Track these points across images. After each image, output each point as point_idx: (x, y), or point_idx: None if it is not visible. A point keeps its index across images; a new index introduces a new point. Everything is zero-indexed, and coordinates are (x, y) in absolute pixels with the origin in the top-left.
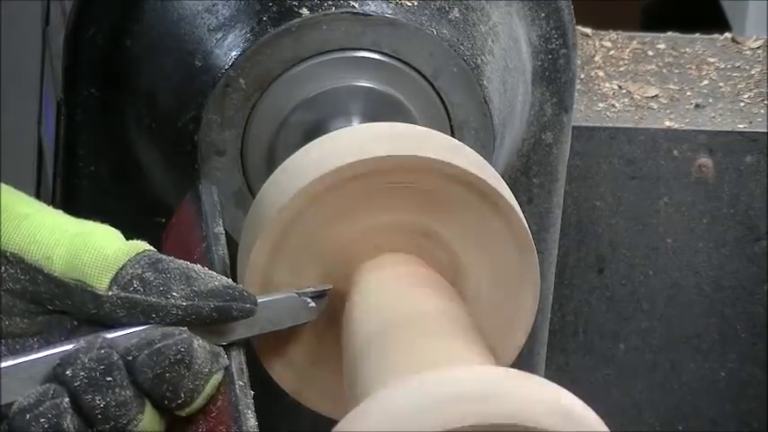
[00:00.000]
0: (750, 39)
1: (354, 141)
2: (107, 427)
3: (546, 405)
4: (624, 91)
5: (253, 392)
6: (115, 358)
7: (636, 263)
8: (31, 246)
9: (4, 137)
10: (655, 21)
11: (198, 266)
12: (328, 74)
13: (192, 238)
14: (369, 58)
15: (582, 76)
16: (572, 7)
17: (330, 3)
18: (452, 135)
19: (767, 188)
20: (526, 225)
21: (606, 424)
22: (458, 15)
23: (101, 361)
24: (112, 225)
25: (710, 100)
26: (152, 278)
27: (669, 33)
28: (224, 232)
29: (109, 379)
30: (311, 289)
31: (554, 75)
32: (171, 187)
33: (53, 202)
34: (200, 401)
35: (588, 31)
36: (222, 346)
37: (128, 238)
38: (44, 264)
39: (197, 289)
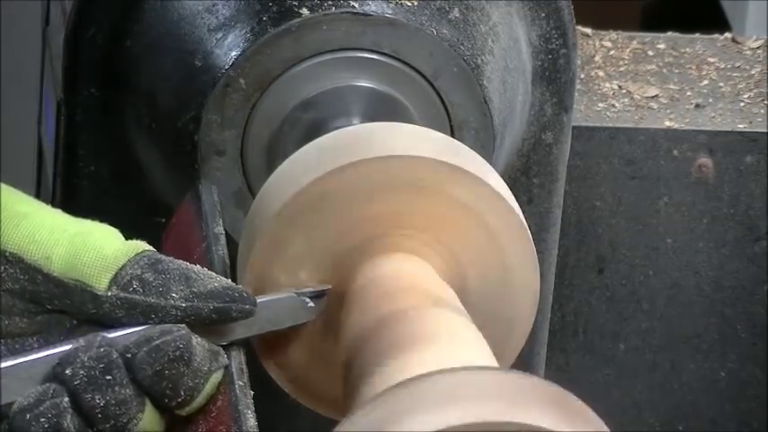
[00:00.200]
0: (750, 39)
1: (354, 141)
2: (107, 426)
3: (546, 405)
4: (624, 91)
5: (252, 392)
6: (114, 356)
7: (636, 263)
8: (30, 245)
9: (4, 137)
10: (655, 21)
11: (197, 267)
12: (328, 74)
13: (192, 238)
14: (369, 58)
15: (582, 76)
16: (572, 7)
17: (330, 3)
18: (452, 135)
19: (767, 188)
20: (526, 225)
21: (606, 424)
22: (458, 15)
23: (100, 359)
24: (112, 225)
25: (710, 100)
26: (151, 279)
27: (669, 33)
28: (224, 232)
29: (108, 377)
30: (310, 289)
31: (554, 75)
32: (171, 187)
33: (53, 202)
34: (200, 400)
35: (588, 31)
36: (221, 345)
37: (127, 238)
38: (43, 263)
39: (196, 290)
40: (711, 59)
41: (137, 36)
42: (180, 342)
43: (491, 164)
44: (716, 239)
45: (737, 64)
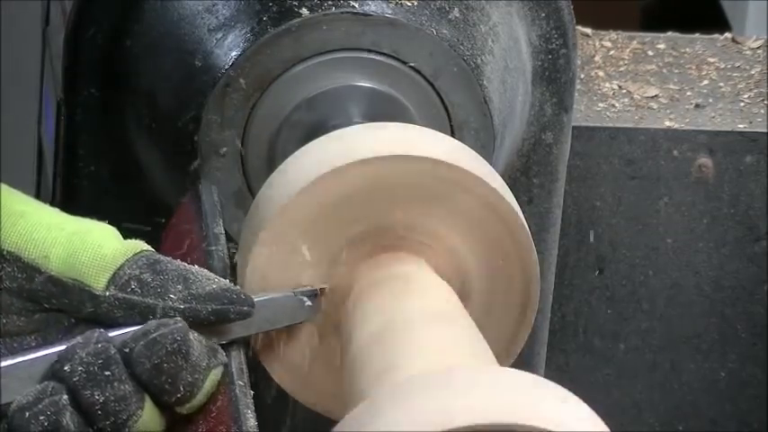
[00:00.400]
0: (750, 39)
1: (355, 141)
2: (107, 423)
3: (546, 405)
4: (624, 91)
5: (253, 392)
6: (112, 352)
7: (636, 263)
8: (27, 244)
9: (4, 137)
10: (655, 21)
11: (196, 268)
12: (328, 74)
13: (192, 238)
14: (369, 58)
15: (582, 76)
16: (572, 7)
17: (330, 3)
18: (452, 135)
19: (767, 188)
20: (526, 225)
21: (606, 424)
22: (458, 15)
23: (98, 355)
24: (112, 225)
25: (710, 100)
26: (150, 279)
27: (669, 33)
28: (224, 232)
29: (107, 373)
30: (308, 288)
31: (554, 75)
32: (171, 187)
33: (53, 202)
34: (200, 398)
35: (588, 31)
36: (221, 345)
37: (126, 237)
38: (41, 262)
39: (194, 292)
40: (711, 59)
41: (137, 36)
42: (177, 334)
43: (491, 164)
44: (716, 239)
45: (737, 64)
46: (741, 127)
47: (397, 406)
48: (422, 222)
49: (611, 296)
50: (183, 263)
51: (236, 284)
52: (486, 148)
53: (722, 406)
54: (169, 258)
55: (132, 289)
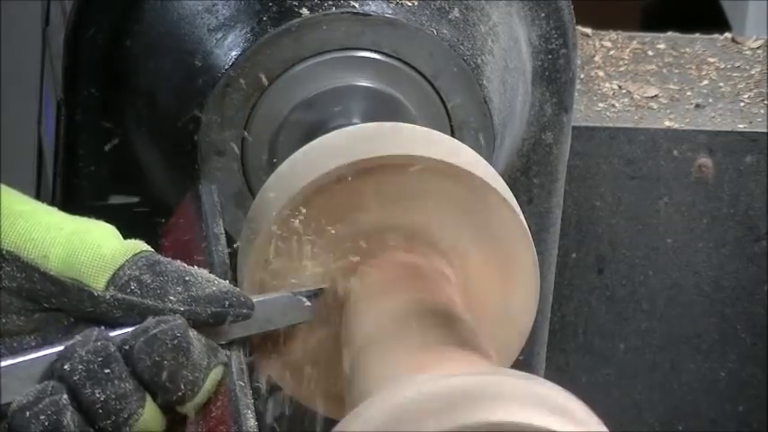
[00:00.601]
0: (750, 39)
1: (355, 141)
2: (108, 422)
3: (545, 405)
4: (624, 91)
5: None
6: (112, 350)
7: (636, 263)
8: (27, 243)
9: (4, 137)
10: (655, 21)
11: (195, 269)
12: (328, 74)
13: (192, 238)
14: (369, 58)
15: (582, 76)
16: (572, 7)
17: (330, 3)
18: (452, 135)
19: (767, 188)
20: (526, 225)
21: (606, 424)
22: (458, 15)
23: (98, 353)
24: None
25: (710, 100)
26: (149, 281)
27: (669, 33)
28: (224, 232)
29: (107, 371)
30: (307, 289)
31: (554, 75)
32: (171, 187)
33: (53, 202)
34: (200, 397)
35: (588, 31)
36: (221, 345)
37: (126, 237)
38: (40, 262)
39: (194, 294)
40: (711, 59)
41: (137, 36)
42: (177, 331)
43: (491, 164)
44: (716, 239)
45: (737, 64)
46: (741, 127)
47: (396, 407)
48: (422, 222)
49: (611, 296)
50: (183, 264)
51: (236, 285)
52: (486, 148)
53: (722, 406)
54: (169, 259)
55: (132, 290)
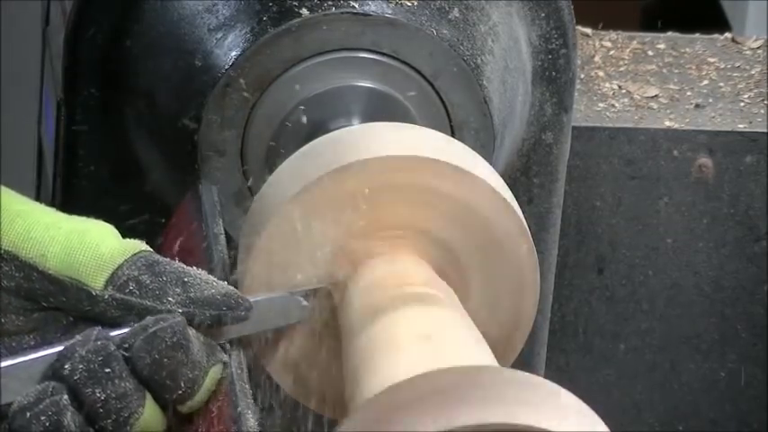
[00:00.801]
0: (750, 39)
1: (355, 141)
2: (108, 421)
3: (545, 405)
4: (624, 91)
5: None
6: (112, 349)
7: (636, 263)
8: (25, 242)
9: (4, 137)
10: (655, 21)
11: (194, 270)
12: (328, 74)
13: (191, 238)
14: (369, 58)
15: (582, 76)
16: (572, 7)
17: (330, 3)
18: (452, 135)
19: (767, 188)
20: (526, 225)
21: (606, 424)
22: (458, 15)
23: (98, 352)
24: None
25: (710, 100)
26: (148, 281)
27: (669, 33)
28: (224, 232)
29: (108, 370)
30: (305, 288)
31: (554, 75)
32: (171, 187)
33: (53, 202)
34: (200, 396)
35: (588, 31)
36: (219, 345)
37: (126, 237)
38: (39, 261)
39: (193, 295)
40: (711, 59)
41: (137, 36)
42: (176, 327)
43: (491, 164)
44: (716, 239)
45: (737, 64)
46: (741, 127)
47: (396, 407)
48: (421, 222)
49: (611, 296)
50: (182, 264)
51: (235, 285)
52: (485, 148)
53: (722, 406)
54: (168, 260)
55: (130, 290)
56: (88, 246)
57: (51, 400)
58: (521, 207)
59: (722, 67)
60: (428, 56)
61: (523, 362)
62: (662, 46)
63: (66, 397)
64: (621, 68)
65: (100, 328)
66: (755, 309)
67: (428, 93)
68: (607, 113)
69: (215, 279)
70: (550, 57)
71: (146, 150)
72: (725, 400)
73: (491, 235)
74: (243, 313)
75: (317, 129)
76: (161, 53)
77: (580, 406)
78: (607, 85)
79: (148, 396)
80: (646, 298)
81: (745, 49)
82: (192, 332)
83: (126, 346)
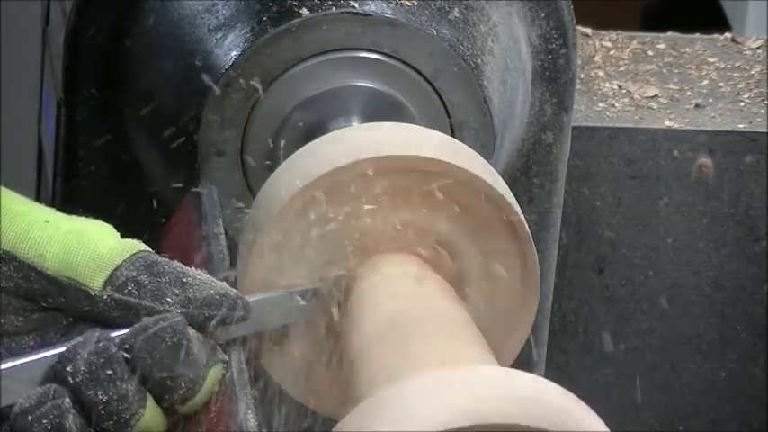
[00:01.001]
0: (750, 39)
1: (355, 141)
2: (109, 423)
3: (545, 405)
4: (624, 91)
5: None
6: (114, 350)
7: (636, 263)
8: (23, 242)
9: (4, 137)
10: (655, 21)
11: (193, 270)
12: (328, 74)
13: (191, 238)
14: (369, 58)
15: (582, 76)
16: (572, 7)
17: (330, 3)
18: (452, 135)
19: (767, 188)
20: (526, 225)
21: (606, 424)
22: (458, 15)
23: (99, 354)
24: (112, 225)
25: (710, 100)
26: (147, 282)
27: (669, 33)
28: (224, 232)
29: (109, 372)
30: (304, 288)
31: (554, 75)
32: (171, 187)
33: (53, 203)
34: (201, 396)
35: (588, 31)
36: (220, 345)
37: (125, 237)
38: (37, 261)
39: (191, 296)
40: (711, 59)
41: (137, 36)
42: (176, 327)
43: (491, 164)
44: (716, 239)
45: (737, 64)
46: (741, 127)
47: (397, 406)
48: (421, 222)
49: (611, 296)
50: (181, 264)
51: (234, 285)
52: (486, 148)
53: (722, 406)
54: (167, 260)
55: (129, 290)
56: (86, 246)
57: (53, 402)
58: (521, 207)
59: (722, 67)
60: (428, 56)
61: (523, 362)
62: (662, 46)
63: (68, 399)
64: (621, 68)
65: (101, 329)
66: (755, 309)
67: (428, 93)
68: (607, 113)
69: (214, 279)
70: (550, 57)
71: (146, 150)
72: (725, 400)
73: (491, 235)
74: (242, 313)
75: (316, 129)
76: (161, 53)
77: (579, 405)
78: (607, 85)
79: (149, 397)
80: (646, 298)
81: (745, 49)
82: (192, 332)
83: (126, 346)
